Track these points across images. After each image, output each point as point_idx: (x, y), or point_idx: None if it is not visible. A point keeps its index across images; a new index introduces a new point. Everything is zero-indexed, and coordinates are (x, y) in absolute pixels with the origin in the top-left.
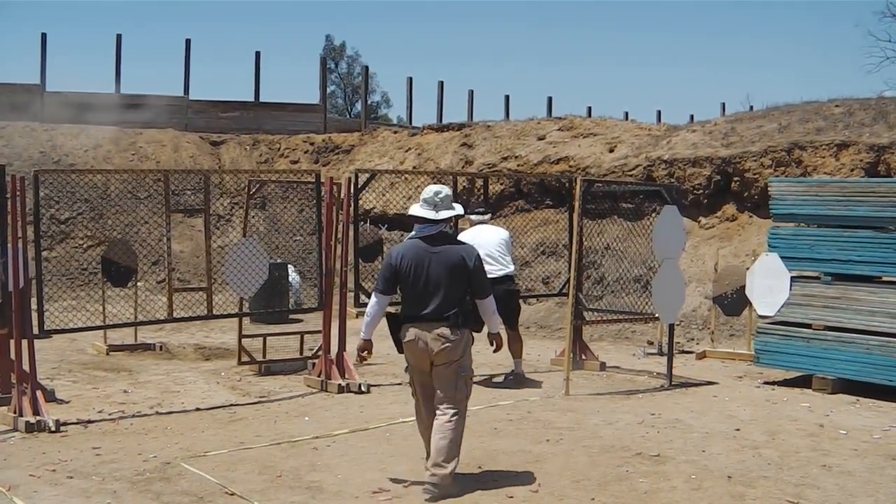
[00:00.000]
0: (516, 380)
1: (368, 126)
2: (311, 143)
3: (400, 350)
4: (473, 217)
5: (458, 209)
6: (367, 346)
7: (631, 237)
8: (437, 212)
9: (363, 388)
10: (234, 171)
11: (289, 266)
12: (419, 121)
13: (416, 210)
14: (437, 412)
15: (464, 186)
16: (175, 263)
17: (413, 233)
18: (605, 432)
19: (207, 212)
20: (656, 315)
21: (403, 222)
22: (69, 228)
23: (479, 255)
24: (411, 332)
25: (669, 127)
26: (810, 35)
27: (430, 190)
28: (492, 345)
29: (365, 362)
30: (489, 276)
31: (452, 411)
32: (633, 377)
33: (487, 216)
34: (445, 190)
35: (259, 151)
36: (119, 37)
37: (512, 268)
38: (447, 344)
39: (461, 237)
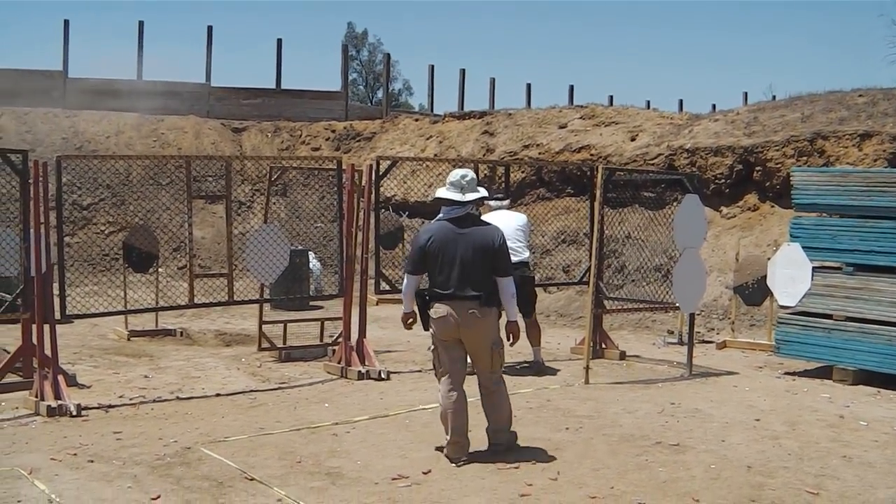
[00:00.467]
0: (535, 368)
1: (390, 114)
2: (333, 131)
3: (426, 327)
4: (492, 203)
5: (483, 192)
6: (410, 316)
7: (652, 226)
8: (463, 194)
9: (383, 375)
10: (256, 157)
11: (309, 253)
12: (440, 108)
13: (444, 192)
14: (482, 389)
15: (485, 174)
16: (196, 249)
17: (440, 215)
18: (624, 421)
19: (229, 198)
20: (677, 304)
21: (424, 210)
22: (91, 214)
23: (503, 236)
24: (441, 309)
25: (691, 116)
26: (833, 25)
27: (457, 173)
28: (508, 338)
29: (409, 330)
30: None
31: (497, 384)
32: (652, 366)
33: (506, 202)
34: (471, 174)
35: (280, 138)
36: (141, 24)
37: (528, 254)
38: (476, 320)
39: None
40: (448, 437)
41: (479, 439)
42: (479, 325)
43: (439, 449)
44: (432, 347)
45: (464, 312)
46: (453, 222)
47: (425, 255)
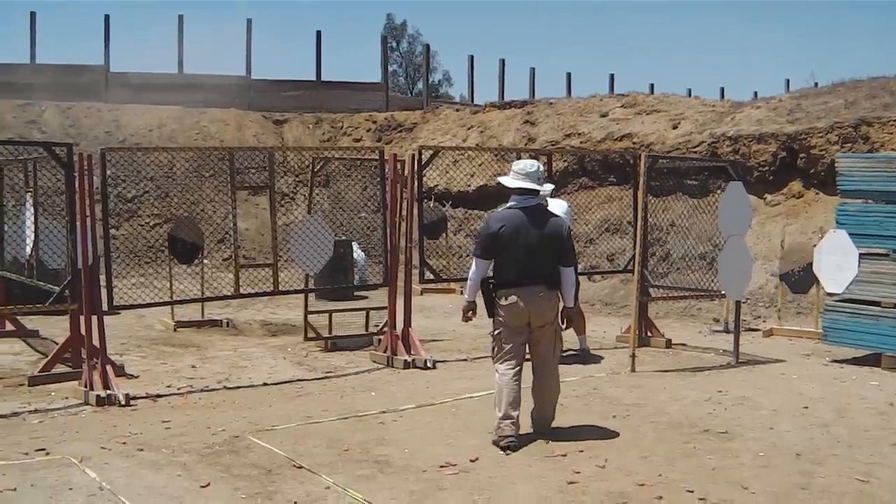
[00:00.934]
0: (581, 356)
1: (430, 104)
2: (374, 122)
3: (491, 314)
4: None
5: (551, 185)
6: (471, 307)
7: (696, 214)
8: (541, 185)
9: (429, 364)
10: (298, 148)
11: (353, 243)
12: (481, 99)
13: (519, 182)
14: (539, 375)
15: None
16: (241, 241)
17: (512, 203)
18: (671, 409)
19: (272, 189)
20: (722, 292)
21: (467, 199)
22: (136, 206)
23: (570, 227)
24: (512, 297)
25: (733, 103)
26: (877, 10)
27: (531, 164)
28: (561, 322)
29: (469, 321)
30: None
31: (553, 369)
32: (699, 354)
33: (549, 188)
34: (541, 165)
35: (322, 130)
36: (181, 17)
37: None
38: (544, 301)
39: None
40: (500, 415)
41: (529, 430)
42: (545, 307)
43: (498, 442)
44: (496, 332)
45: (533, 296)
46: (524, 211)
47: (496, 242)
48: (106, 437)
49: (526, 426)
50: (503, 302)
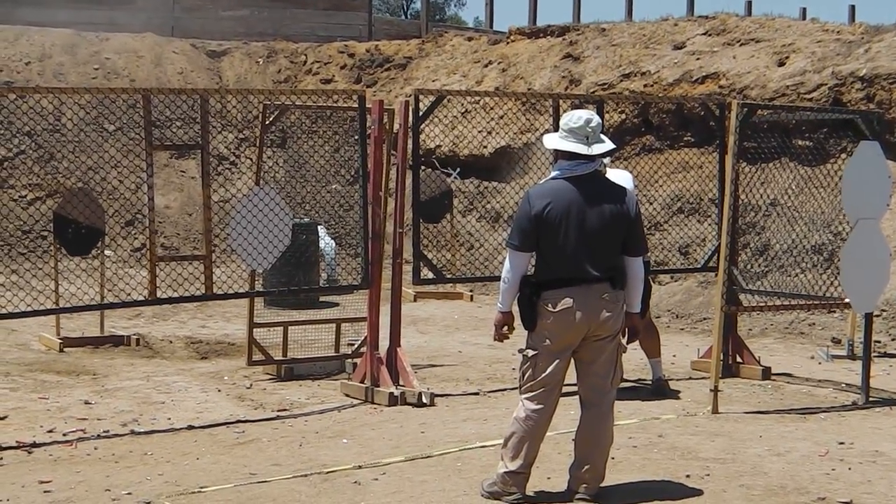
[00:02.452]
0: (656, 388)
1: (432, 30)
2: (351, 55)
3: (529, 325)
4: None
5: (611, 143)
6: (507, 320)
7: (809, 188)
8: (590, 145)
9: (425, 399)
10: (243, 91)
11: (319, 227)
12: (503, 23)
13: (559, 142)
14: (589, 414)
15: None
16: (159, 223)
17: (556, 172)
18: (771, 467)
19: (205, 150)
20: (846, 301)
21: (481, 166)
22: (4, 173)
23: (637, 199)
24: (565, 300)
25: (868, 28)
26: None
27: (579, 117)
28: (625, 334)
29: (506, 340)
30: None
31: (611, 411)
32: (810, 389)
33: (607, 148)
34: (596, 117)
35: (277, 66)
36: None
37: None
38: (612, 310)
39: None
40: (508, 467)
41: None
42: (609, 316)
43: (493, 495)
44: (530, 353)
45: (594, 300)
46: (575, 182)
47: (540, 227)
48: None
49: (554, 484)
50: (552, 308)
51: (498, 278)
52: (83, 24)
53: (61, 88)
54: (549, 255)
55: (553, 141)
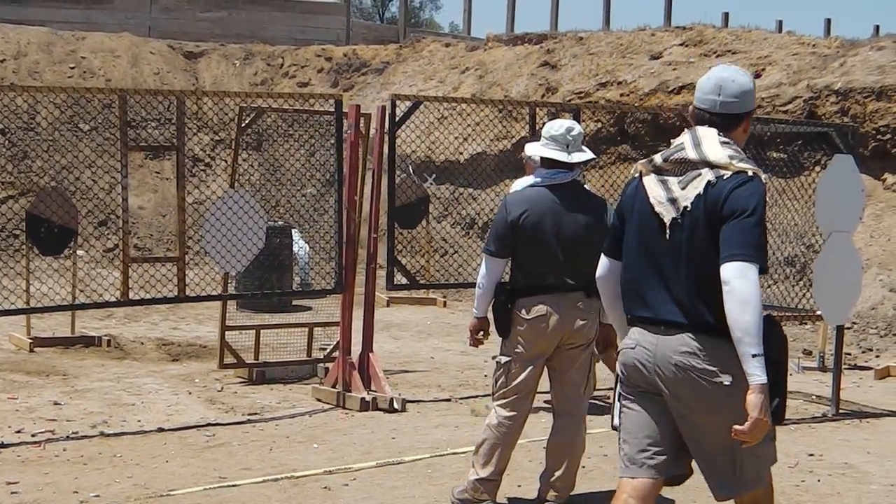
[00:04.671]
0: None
1: (409, 36)
2: (328, 59)
3: (503, 332)
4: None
5: (590, 153)
6: (482, 325)
7: (783, 200)
8: (570, 153)
9: (396, 405)
10: (219, 93)
11: (293, 231)
12: (481, 30)
13: (540, 149)
14: (561, 423)
15: (543, 123)
16: (132, 224)
17: (536, 179)
18: None
19: (181, 151)
20: (818, 312)
21: (458, 172)
22: None
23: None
24: (539, 307)
25: (843, 42)
26: None
27: (560, 125)
28: (596, 347)
29: (481, 346)
30: None
31: (582, 421)
32: None
33: (585, 157)
34: (578, 127)
35: (253, 68)
36: None
37: None
38: (587, 319)
39: (520, 184)
40: (479, 474)
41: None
42: (584, 325)
43: (463, 502)
44: (503, 359)
45: (568, 308)
46: (554, 191)
47: (516, 233)
48: None
49: (525, 492)
50: (526, 315)
51: (472, 285)
52: (59, 23)
53: (37, 87)
54: (524, 262)
55: (534, 148)
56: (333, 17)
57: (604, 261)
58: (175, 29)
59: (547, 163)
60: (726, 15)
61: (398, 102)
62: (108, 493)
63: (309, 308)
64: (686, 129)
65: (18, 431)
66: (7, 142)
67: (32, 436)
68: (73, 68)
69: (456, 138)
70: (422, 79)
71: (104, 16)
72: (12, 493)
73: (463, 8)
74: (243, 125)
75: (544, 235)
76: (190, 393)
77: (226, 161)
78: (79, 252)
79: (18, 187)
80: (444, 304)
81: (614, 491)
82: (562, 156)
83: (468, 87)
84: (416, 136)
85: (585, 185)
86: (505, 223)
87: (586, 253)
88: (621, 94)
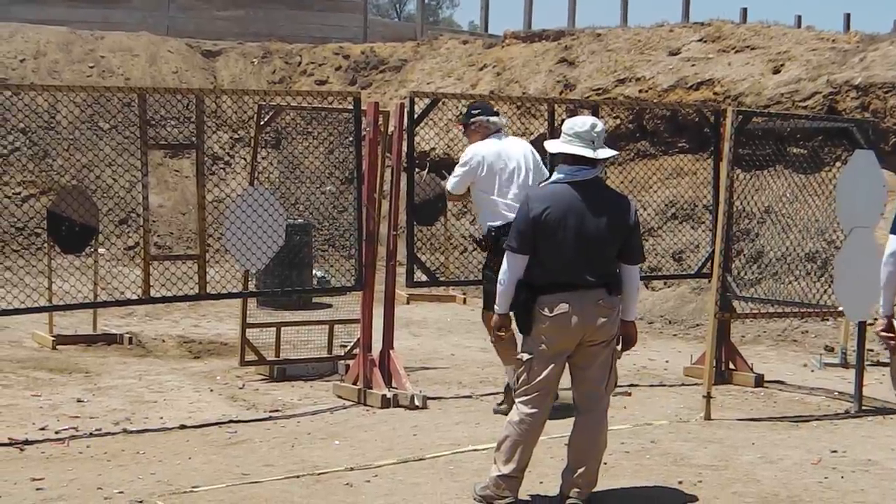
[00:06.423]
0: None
1: (426, 33)
2: (346, 57)
3: (525, 329)
4: (493, 119)
5: (613, 151)
6: (504, 322)
7: (803, 196)
8: (595, 150)
9: (417, 402)
10: (238, 91)
11: (313, 228)
12: (498, 27)
13: (564, 146)
14: (584, 418)
15: (562, 119)
16: (152, 222)
17: (559, 176)
18: (764, 474)
19: (200, 149)
20: (840, 309)
21: None
22: None
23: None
24: (561, 305)
25: (864, 37)
26: None
27: (583, 122)
28: (618, 343)
29: (501, 342)
30: None
31: (604, 417)
32: (803, 397)
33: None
34: (600, 123)
35: (272, 66)
36: None
37: None
38: (608, 316)
39: (470, 151)
40: (501, 471)
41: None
42: (606, 322)
43: (485, 499)
44: (525, 356)
45: (590, 305)
46: (576, 187)
47: (538, 230)
48: None
49: (547, 488)
50: (547, 313)
51: None
52: (78, 23)
53: (56, 86)
54: (546, 259)
55: (557, 145)
56: (351, 15)
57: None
58: (193, 28)
59: (570, 159)
60: (745, 10)
61: (416, 99)
62: (131, 489)
63: (329, 305)
64: None
65: (42, 428)
66: (28, 141)
67: (56, 433)
68: (91, 67)
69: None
70: (439, 76)
71: (122, 15)
72: (38, 489)
73: (480, 5)
74: (262, 123)
75: (566, 232)
76: (212, 390)
77: (244, 159)
78: (100, 250)
79: (40, 186)
80: (464, 301)
81: (636, 487)
82: (587, 152)
83: (486, 85)
84: (435, 134)
85: (509, 143)
86: (527, 219)
87: (607, 250)
88: (640, 91)
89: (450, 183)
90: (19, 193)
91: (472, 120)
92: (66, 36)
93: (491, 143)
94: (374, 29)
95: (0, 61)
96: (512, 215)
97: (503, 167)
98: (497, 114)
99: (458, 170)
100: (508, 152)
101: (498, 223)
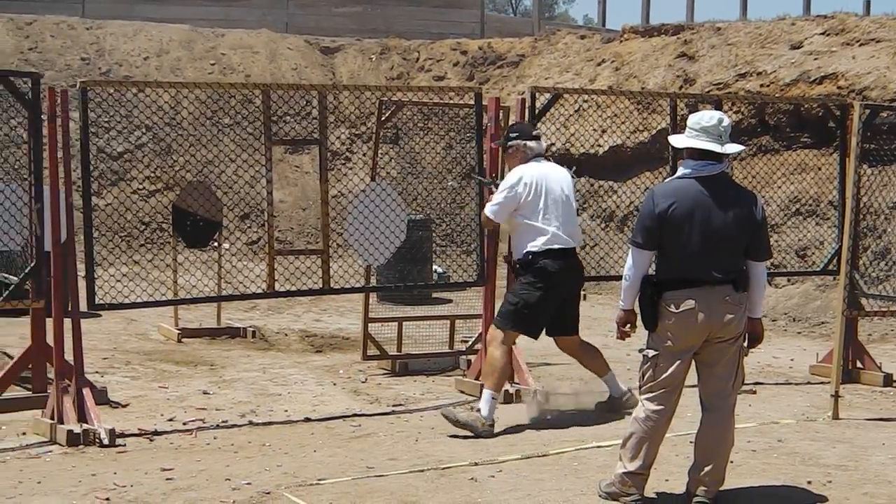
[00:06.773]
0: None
1: (544, 28)
2: (464, 52)
3: (650, 325)
4: (531, 144)
5: (740, 146)
6: (629, 318)
7: None
8: (722, 145)
9: (539, 398)
10: (357, 87)
11: (433, 224)
12: (616, 21)
13: (694, 142)
14: (711, 417)
15: (682, 115)
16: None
17: (685, 171)
18: (895, 476)
19: (323, 145)
20: None
21: (595, 164)
22: (125, 166)
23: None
24: (687, 302)
25: None
26: None
27: (711, 116)
28: (745, 340)
29: (627, 339)
30: (564, 246)
31: (732, 414)
32: None
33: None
34: (728, 119)
35: (390, 63)
36: None
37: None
38: (735, 313)
39: (514, 175)
40: (627, 468)
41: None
42: (732, 318)
43: (610, 496)
44: (651, 353)
45: (716, 302)
46: (703, 183)
47: (664, 225)
48: (81, 491)
49: (673, 486)
50: (673, 309)
51: (612, 277)
52: (199, 21)
53: (179, 83)
54: (671, 254)
55: (683, 140)
56: (467, 10)
57: None
58: (311, 24)
59: (695, 154)
60: (868, 2)
61: (537, 94)
62: (258, 480)
63: (450, 300)
64: None
65: (170, 419)
66: (153, 138)
67: (184, 424)
68: (213, 65)
69: (595, 131)
70: (557, 71)
71: (242, 12)
72: (167, 479)
73: (598, 0)
74: (383, 119)
75: (692, 228)
76: (334, 384)
77: (364, 155)
78: (224, 245)
79: (163, 182)
80: (584, 297)
81: (764, 486)
82: (715, 147)
83: (604, 80)
84: (555, 129)
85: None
86: (652, 215)
87: (734, 246)
88: (761, 85)
89: (489, 209)
90: (144, 189)
91: (510, 144)
92: (188, 34)
93: (534, 166)
94: (490, 24)
95: (124, 59)
96: (553, 244)
97: (548, 192)
98: (538, 138)
99: (499, 196)
100: (550, 177)
101: (537, 248)
